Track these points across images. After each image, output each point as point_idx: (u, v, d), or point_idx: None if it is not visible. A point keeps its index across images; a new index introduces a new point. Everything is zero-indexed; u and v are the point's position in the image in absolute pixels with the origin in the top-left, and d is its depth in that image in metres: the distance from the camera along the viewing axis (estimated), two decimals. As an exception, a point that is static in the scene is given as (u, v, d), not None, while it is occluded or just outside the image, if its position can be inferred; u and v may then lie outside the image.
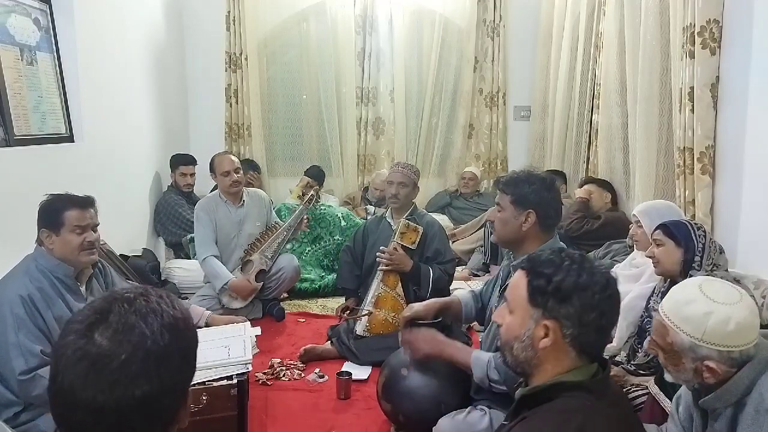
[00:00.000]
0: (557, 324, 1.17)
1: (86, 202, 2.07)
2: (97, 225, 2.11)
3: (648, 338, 1.43)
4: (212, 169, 3.47)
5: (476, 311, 2.29)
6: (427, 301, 2.26)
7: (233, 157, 3.50)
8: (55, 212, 2.00)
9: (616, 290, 1.21)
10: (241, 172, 3.52)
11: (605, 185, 3.90)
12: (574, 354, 1.18)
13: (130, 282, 2.86)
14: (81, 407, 0.78)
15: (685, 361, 1.29)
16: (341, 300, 3.63)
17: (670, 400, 1.72)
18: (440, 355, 1.99)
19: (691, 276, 1.91)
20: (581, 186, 4.04)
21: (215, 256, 3.40)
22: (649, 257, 2.13)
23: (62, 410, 0.80)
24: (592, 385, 1.16)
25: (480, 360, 1.89)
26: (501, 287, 2.07)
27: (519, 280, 1.24)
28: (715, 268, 1.99)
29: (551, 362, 1.19)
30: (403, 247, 3.08)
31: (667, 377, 1.39)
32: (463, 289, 3.16)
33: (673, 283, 2.10)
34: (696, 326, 1.26)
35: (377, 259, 3.09)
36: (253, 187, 4.16)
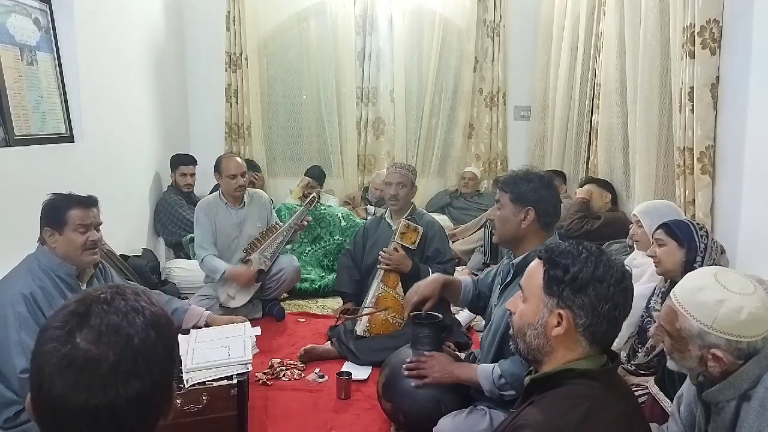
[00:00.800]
0: (571, 313, 1.19)
1: (89, 202, 2.09)
2: (100, 224, 2.13)
3: (655, 324, 1.42)
4: (217, 170, 3.46)
5: (472, 296, 2.30)
6: (431, 276, 2.25)
7: (240, 160, 3.48)
8: (58, 211, 2.01)
9: (631, 284, 1.22)
10: (247, 175, 3.51)
11: (605, 185, 3.90)
12: (586, 343, 1.20)
13: (130, 282, 2.86)
14: (73, 414, 0.76)
15: (692, 348, 1.29)
16: (341, 300, 3.62)
17: (670, 400, 1.72)
18: (450, 380, 2.00)
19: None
20: (582, 186, 4.04)
21: (213, 255, 3.40)
22: (651, 257, 2.13)
23: (51, 419, 0.78)
24: (600, 375, 1.18)
25: (485, 372, 1.91)
26: (501, 285, 2.07)
27: (535, 269, 1.26)
28: (715, 268, 1.99)
29: (562, 350, 1.21)
30: (403, 247, 3.08)
31: (671, 365, 1.39)
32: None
33: (674, 283, 2.10)
34: (707, 313, 1.25)
35: (378, 259, 3.08)
36: (255, 187, 4.16)
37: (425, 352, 2.11)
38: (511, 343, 1.35)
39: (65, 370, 0.76)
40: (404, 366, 2.09)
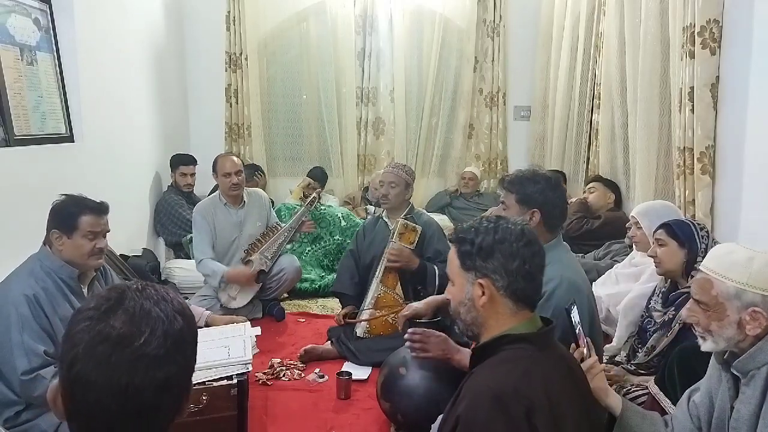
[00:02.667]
0: (488, 280, 1.29)
1: (102, 209, 2.07)
2: (108, 231, 2.11)
3: (686, 307, 1.45)
4: (214, 170, 3.47)
5: None
6: (427, 298, 2.27)
7: (236, 159, 3.49)
8: (70, 215, 2.00)
9: (533, 238, 1.32)
10: (243, 174, 3.51)
11: (611, 185, 3.89)
12: (512, 303, 1.29)
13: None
14: (103, 391, 0.78)
15: (730, 313, 1.33)
16: (339, 302, 3.60)
17: (671, 400, 1.72)
18: (448, 361, 2.00)
19: (692, 277, 1.91)
20: (587, 184, 4.04)
21: (211, 259, 3.39)
22: (651, 257, 2.12)
23: (81, 398, 0.80)
24: (535, 338, 1.27)
25: None
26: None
27: (451, 253, 1.38)
28: (716, 268, 1.99)
29: (494, 317, 1.30)
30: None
31: (705, 346, 1.39)
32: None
33: (674, 283, 2.11)
34: (741, 271, 1.32)
35: (383, 258, 3.06)
36: (258, 186, 4.16)
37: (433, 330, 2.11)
38: (455, 326, 1.43)
39: (98, 347, 0.79)
40: (409, 333, 2.08)
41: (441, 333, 2.08)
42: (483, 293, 1.28)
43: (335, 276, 3.60)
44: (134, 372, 0.79)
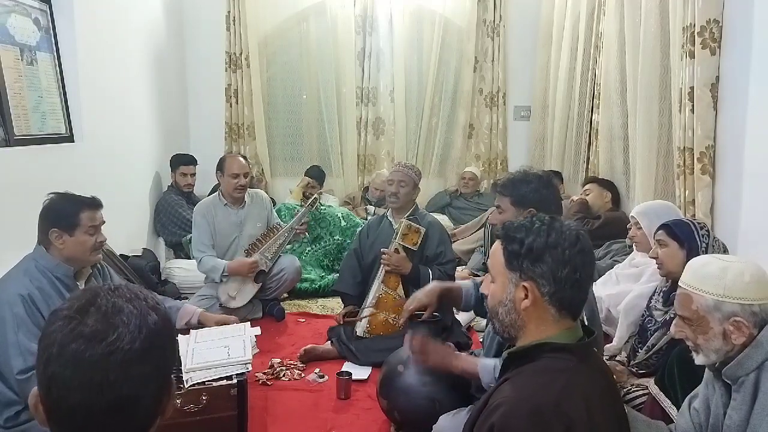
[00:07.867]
0: (534, 284, 1.22)
1: (97, 203, 2.10)
2: (104, 223, 2.14)
3: (673, 323, 1.45)
4: (220, 168, 3.44)
5: (476, 300, 2.29)
6: (429, 285, 2.23)
7: (243, 161, 3.47)
8: (70, 213, 2.02)
9: (587, 245, 1.25)
10: (249, 177, 3.50)
11: (607, 185, 3.90)
12: (555, 311, 1.22)
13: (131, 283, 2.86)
14: (78, 389, 0.77)
15: (713, 325, 1.33)
16: (341, 300, 3.59)
17: (671, 400, 1.72)
18: (448, 368, 1.99)
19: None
20: (584, 185, 4.05)
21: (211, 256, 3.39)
22: (653, 258, 2.12)
23: (57, 397, 0.79)
24: (576, 349, 1.21)
25: (487, 366, 1.90)
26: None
27: (496, 249, 1.31)
28: (717, 267, 1.99)
29: (534, 322, 1.24)
30: (404, 248, 3.06)
31: (698, 360, 1.39)
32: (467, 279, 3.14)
33: (676, 282, 2.10)
34: (716, 283, 1.32)
35: (381, 260, 3.07)
36: (254, 185, 4.16)
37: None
38: (489, 324, 1.36)
39: (72, 344, 0.78)
40: (410, 341, 2.06)
41: (439, 345, 2.07)
42: (526, 297, 1.22)
43: (337, 275, 3.60)
44: (108, 367, 0.78)
